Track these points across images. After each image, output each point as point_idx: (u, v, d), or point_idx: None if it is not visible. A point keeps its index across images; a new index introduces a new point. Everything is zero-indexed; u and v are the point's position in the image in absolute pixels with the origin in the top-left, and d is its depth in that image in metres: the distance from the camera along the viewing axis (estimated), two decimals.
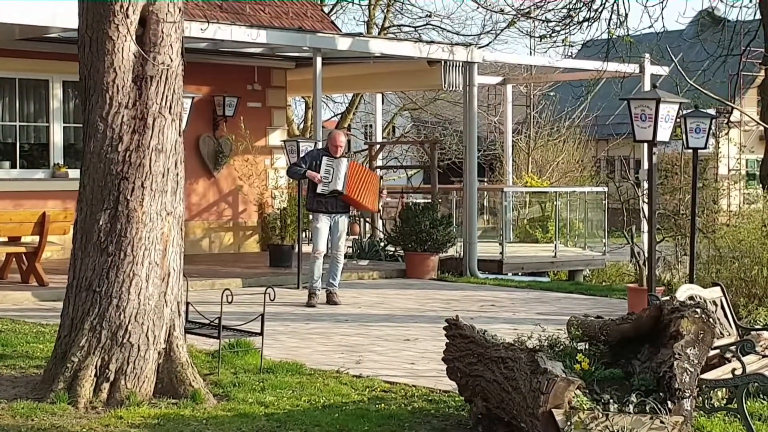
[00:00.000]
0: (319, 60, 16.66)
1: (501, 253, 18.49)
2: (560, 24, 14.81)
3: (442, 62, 18.04)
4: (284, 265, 17.15)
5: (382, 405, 8.13)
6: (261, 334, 9.37)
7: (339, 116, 30.36)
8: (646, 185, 19.86)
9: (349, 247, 19.51)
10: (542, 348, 7.17)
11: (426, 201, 19.53)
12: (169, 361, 8.30)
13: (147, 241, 8.21)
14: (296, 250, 16.14)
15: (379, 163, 24.46)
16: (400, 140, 25.69)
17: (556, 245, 19.63)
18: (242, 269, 17.12)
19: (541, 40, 14.56)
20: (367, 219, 20.62)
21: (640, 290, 13.13)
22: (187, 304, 10.07)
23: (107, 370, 8.09)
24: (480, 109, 30.94)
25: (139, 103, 8.23)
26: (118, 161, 8.18)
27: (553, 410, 5.97)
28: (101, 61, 8.15)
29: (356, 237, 20.23)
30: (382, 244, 19.10)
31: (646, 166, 21.09)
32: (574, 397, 6.05)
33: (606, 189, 20.39)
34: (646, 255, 10.44)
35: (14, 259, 14.74)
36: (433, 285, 16.34)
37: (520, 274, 19.06)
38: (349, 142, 33.33)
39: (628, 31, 15.47)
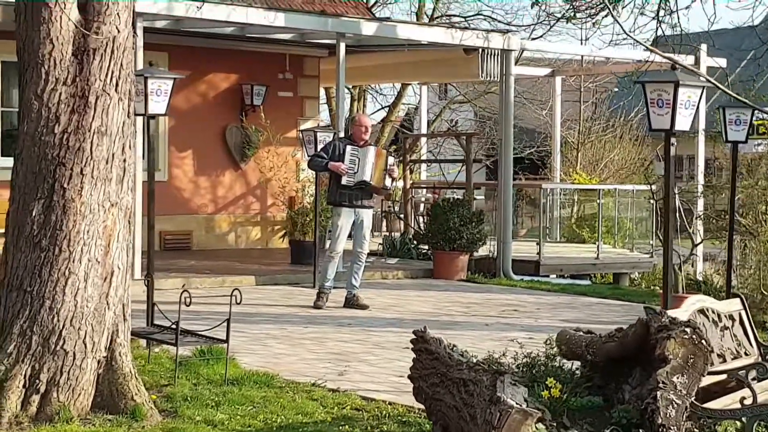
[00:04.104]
0: (342, 46, 15.63)
1: (538, 253, 17.32)
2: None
3: (479, 50, 16.96)
4: (306, 262, 16.15)
5: (346, 427, 7.12)
6: (226, 341, 8.37)
7: (387, 109, 29.31)
8: (701, 181, 18.64)
9: (379, 244, 18.52)
10: (520, 368, 6.13)
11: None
12: (110, 371, 7.35)
13: (86, 235, 7.27)
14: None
15: (424, 157, 23.40)
16: (435, 133, 24.59)
17: (598, 246, 18.40)
18: (260, 266, 16.20)
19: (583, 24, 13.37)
20: (401, 215, 19.58)
21: (674, 297, 12.01)
22: (153, 305, 9.18)
23: (38, 381, 7.17)
24: (532, 103, 29.86)
25: (80, 80, 7.29)
26: (54, 144, 7.24)
27: None
28: (36, 31, 7.23)
29: (387, 234, 19.19)
30: (415, 241, 18.07)
31: (701, 164, 19.90)
32: None
33: (654, 187, 19.11)
34: (669, 257, 9.29)
35: None
36: (459, 287, 15.27)
37: (566, 276, 17.91)
38: (397, 135, 32.25)
39: (679, 18, 14.30)
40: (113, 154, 7.40)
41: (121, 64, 7.43)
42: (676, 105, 7.85)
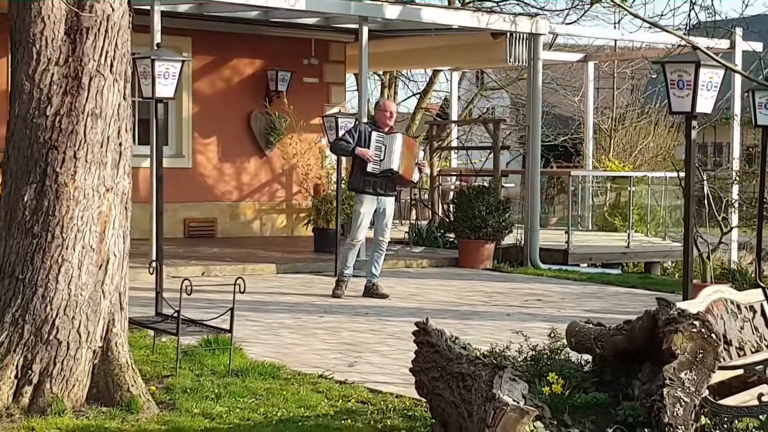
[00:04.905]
0: (365, 30, 15.32)
1: (566, 242, 16.95)
2: None
3: (507, 34, 16.60)
4: (329, 250, 15.87)
5: (348, 421, 6.82)
6: (230, 331, 8.10)
7: (418, 96, 28.90)
8: (735, 167, 18.17)
9: (405, 232, 18.24)
10: (525, 362, 5.81)
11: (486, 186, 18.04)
12: (105, 362, 7.09)
13: (80, 221, 7.01)
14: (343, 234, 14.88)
15: (453, 144, 23.11)
16: (462, 120, 24.22)
17: (629, 234, 18.01)
18: (283, 254, 15.94)
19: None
20: (427, 204, 19.26)
21: (701, 286, 11.65)
22: (158, 293, 8.94)
23: (30, 371, 6.91)
24: (565, 90, 29.42)
25: (73, 60, 7.01)
26: (46, 127, 6.98)
27: None
28: (27, 9, 6.96)
29: (414, 222, 18.87)
30: (441, 230, 17.75)
31: (736, 152, 19.42)
32: (531, 431, 4.68)
33: (682, 174, 18.64)
34: (693, 246, 8.96)
35: None
36: (483, 276, 14.94)
37: (597, 265, 17.52)
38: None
39: (713, 1, 13.91)
40: (108, 137, 7.13)
41: (116, 44, 7.15)
42: (697, 86, 7.49)
